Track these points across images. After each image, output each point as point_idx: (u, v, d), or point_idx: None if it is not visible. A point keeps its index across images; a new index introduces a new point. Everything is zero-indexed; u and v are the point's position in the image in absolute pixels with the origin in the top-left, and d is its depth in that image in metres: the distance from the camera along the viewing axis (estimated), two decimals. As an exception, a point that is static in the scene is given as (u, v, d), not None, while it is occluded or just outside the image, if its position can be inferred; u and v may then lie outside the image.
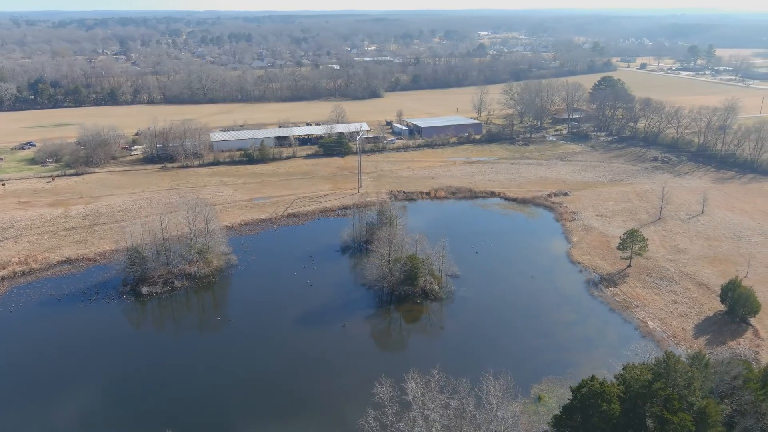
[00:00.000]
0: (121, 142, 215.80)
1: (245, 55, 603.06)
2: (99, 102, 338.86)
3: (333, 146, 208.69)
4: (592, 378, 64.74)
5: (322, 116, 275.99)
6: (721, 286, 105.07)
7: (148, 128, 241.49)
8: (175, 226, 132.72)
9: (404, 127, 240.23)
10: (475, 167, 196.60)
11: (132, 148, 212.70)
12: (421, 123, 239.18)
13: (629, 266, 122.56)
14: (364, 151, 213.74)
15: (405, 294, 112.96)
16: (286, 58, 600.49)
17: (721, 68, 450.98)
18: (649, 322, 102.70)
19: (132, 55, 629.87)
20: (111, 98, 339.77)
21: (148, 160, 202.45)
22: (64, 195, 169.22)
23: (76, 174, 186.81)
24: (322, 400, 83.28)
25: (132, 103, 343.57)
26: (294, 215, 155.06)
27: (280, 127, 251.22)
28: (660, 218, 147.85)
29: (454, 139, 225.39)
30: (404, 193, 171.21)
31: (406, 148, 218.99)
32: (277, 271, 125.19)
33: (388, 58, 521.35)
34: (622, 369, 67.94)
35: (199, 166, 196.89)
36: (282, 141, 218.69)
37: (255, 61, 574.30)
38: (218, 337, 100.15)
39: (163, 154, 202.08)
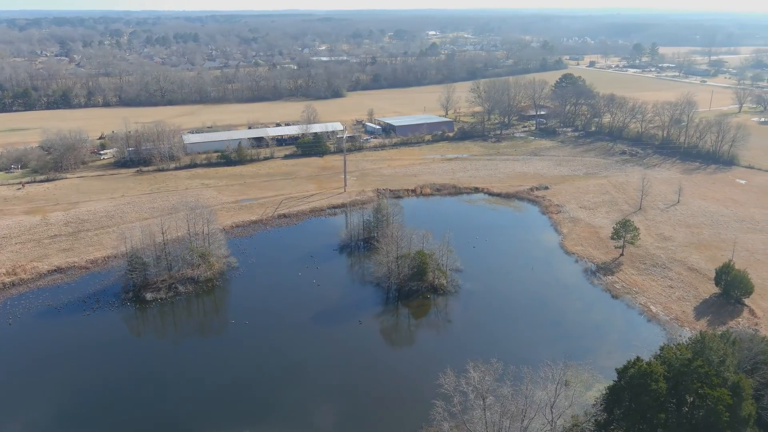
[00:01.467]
0: (87, 146, 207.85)
1: (195, 56, 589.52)
2: (51, 105, 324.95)
3: (311, 146, 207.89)
4: (637, 359, 67.91)
5: (288, 116, 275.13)
6: (715, 269, 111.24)
7: (112, 132, 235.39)
8: (168, 229, 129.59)
9: (377, 126, 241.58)
10: (455, 164, 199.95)
11: (102, 152, 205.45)
12: (395, 122, 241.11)
13: (622, 255, 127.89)
14: (340, 151, 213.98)
15: (413, 290, 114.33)
16: (238, 59, 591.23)
17: (665, 65, 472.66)
18: (652, 307, 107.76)
19: (75, 56, 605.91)
20: (64, 101, 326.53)
21: (121, 164, 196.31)
22: (39, 202, 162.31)
23: (47, 180, 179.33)
24: (371, 395, 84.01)
25: (86, 106, 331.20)
26: (285, 216, 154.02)
27: (249, 128, 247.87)
28: (640, 208, 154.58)
29: (428, 137, 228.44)
30: (390, 191, 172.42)
31: (382, 146, 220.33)
32: (279, 272, 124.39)
33: (344, 57, 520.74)
34: (660, 349, 71.48)
35: (176, 168, 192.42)
36: (255, 142, 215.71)
37: (206, 61, 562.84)
38: (237, 340, 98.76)
39: (135, 158, 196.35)
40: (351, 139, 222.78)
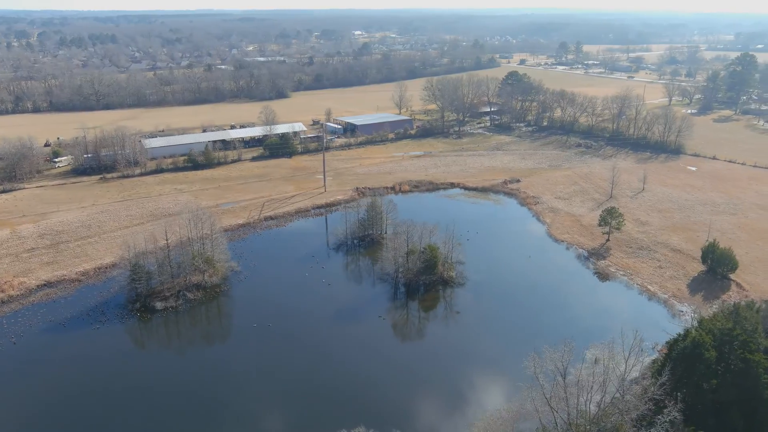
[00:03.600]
0: (39, 154, 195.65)
1: (119, 58, 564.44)
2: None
3: (279, 147, 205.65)
4: (688, 332, 73.62)
5: (237, 118, 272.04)
6: (701, 249, 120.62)
7: (58, 138, 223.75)
8: (157, 236, 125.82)
9: (339, 126, 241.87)
10: (424, 161, 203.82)
11: (56, 159, 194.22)
12: (357, 121, 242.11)
13: (608, 240, 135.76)
14: (308, 151, 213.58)
15: (423, 283, 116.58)
16: (165, 60, 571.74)
17: (590, 62, 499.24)
18: (649, 286, 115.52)
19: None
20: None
21: (80, 171, 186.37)
22: (2, 215, 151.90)
23: (4, 191, 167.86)
24: (432, 385, 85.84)
25: (14, 111, 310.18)
26: (271, 218, 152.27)
27: (204, 131, 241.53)
28: (611, 197, 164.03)
29: (391, 135, 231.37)
30: (369, 189, 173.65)
31: (348, 145, 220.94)
32: (284, 273, 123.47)
33: (280, 58, 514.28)
34: (698, 322, 77.64)
35: (141, 174, 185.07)
36: (222, 145, 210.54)
37: (132, 63, 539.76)
38: (271, 343, 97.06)
39: (95, 165, 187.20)
40: (317, 139, 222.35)
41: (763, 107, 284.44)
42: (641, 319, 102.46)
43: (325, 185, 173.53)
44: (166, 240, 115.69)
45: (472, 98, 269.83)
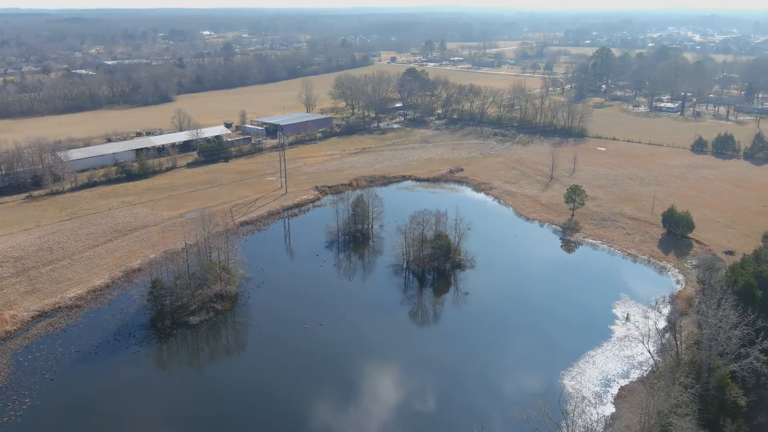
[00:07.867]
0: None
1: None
2: None
3: (214, 151, 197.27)
4: (738, 276, 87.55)
5: (134, 125, 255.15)
6: (661, 214, 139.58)
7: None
8: (162, 242, 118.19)
9: (260, 128, 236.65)
10: (365, 157, 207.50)
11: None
12: (280, 121, 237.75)
13: (573, 216, 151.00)
14: (242, 154, 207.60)
15: (439, 269, 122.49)
16: (2, 65, 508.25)
17: (456, 59, 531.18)
18: (628, 251, 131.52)
19: None
20: None
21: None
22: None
23: None
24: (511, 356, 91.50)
25: None
26: (247, 223, 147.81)
27: (108, 140, 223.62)
28: (553, 178, 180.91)
29: (319, 134, 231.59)
30: (329, 187, 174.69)
31: (281, 146, 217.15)
32: (297, 275, 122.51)
33: (145, 60, 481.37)
34: (731, 270, 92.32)
35: (73, 189, 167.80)
36: (151, 151, 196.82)
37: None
38: (333, 342, 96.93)
39: (12, 183, 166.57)
40: (247, 140, 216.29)
41: (627, 93, 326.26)
42: (638, 278, 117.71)
43: (286, 186, 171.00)
44: (186, 249, 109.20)
45: (381, 94, 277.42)
